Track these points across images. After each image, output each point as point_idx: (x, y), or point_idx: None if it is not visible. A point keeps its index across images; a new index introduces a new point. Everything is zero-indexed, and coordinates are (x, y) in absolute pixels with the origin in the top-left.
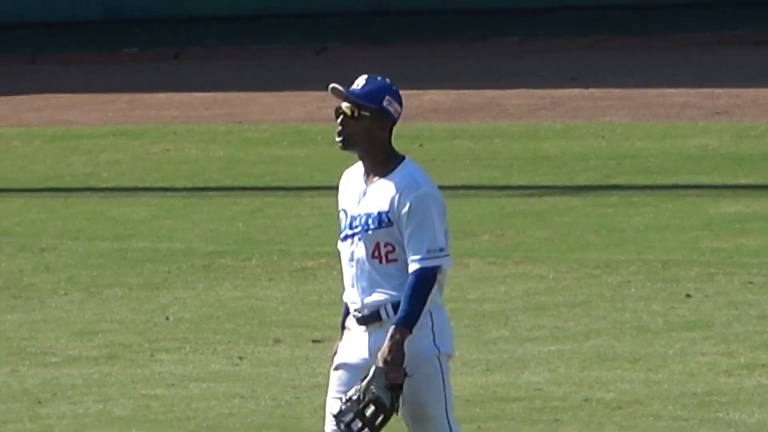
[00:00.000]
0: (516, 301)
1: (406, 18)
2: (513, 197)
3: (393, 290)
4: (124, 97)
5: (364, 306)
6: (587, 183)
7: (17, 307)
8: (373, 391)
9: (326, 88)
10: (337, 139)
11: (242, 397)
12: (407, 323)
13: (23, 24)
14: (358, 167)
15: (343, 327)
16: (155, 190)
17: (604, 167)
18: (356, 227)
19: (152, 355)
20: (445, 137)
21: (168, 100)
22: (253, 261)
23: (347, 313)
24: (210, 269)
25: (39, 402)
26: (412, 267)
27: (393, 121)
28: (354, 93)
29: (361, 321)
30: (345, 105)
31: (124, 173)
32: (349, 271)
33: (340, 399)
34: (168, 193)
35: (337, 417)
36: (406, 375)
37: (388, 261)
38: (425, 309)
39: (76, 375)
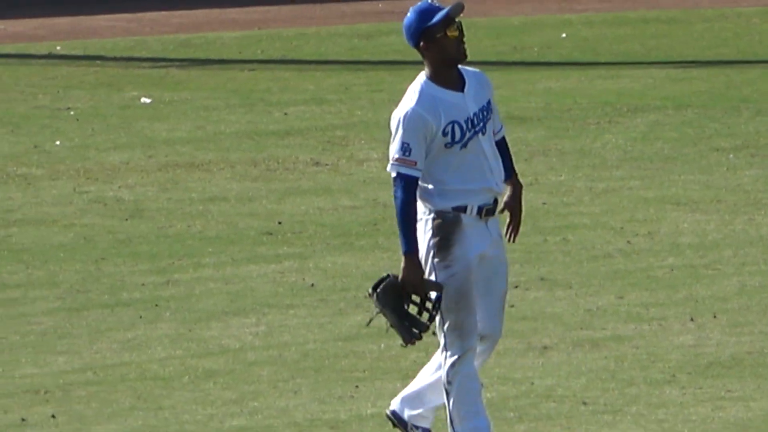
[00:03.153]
0: None
1: None
2: None
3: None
4: None
5: (502, 190)
6: None
7: (754, 164)
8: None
9: None
10: (464, 54)
11: None
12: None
13: None
14: (424, 101)
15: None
16: None
17: None
18: (478, 123)
19: None
20: None
21: None
22: None
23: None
24: None
25: None
26: (503, 132)
27: None
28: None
29: (491, 211)
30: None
31: None
32: (481, 165)
33: None
34: None
35: None
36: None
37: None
38: None
39: None
